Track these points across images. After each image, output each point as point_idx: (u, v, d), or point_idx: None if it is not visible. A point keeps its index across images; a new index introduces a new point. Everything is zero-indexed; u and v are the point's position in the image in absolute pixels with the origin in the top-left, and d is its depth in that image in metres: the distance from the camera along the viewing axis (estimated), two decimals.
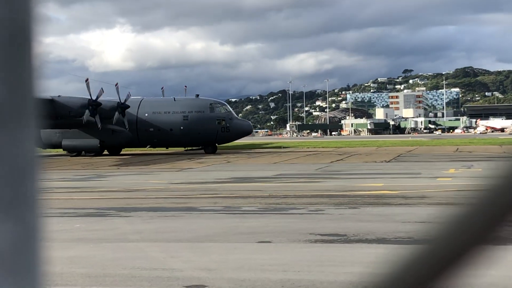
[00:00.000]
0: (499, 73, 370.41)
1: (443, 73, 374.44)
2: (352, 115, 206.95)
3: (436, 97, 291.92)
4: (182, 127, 54.67)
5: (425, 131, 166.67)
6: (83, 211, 17.12)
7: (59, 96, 52.42)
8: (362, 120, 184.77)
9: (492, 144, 61.68)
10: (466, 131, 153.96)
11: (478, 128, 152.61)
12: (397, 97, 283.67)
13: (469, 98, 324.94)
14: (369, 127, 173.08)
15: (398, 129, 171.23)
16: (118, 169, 37.11)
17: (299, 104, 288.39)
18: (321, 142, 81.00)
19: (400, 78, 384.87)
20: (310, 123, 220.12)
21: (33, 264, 0.78)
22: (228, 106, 59.31)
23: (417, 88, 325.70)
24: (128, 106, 53.91)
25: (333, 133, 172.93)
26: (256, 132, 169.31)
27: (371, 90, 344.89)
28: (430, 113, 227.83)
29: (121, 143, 55.79)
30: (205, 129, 54.13)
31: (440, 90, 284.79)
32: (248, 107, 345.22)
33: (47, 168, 37.82)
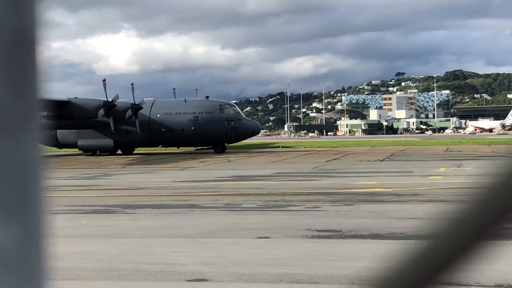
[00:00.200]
0: (487, 76, 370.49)
1: (434, 76, 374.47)
2: (347, 116, 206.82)
3: (427, 99, 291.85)
4: (192, 128, 54.52)
5: (416, 131, 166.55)
6: (90, 208, 17.10)
7: (75, 97, 52.46)
8: (357, 121, 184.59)
9: (481, 144, 61.67)
10: (456, 132, 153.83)
11: (467, 129, 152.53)
12: (390, 99, 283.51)
13: (459, 100, 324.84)
14: (363, 127, 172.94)
15: (391, 130, 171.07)
16: (123, 168, 37.08)
17: (296, 106, 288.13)
18: (317, 142, 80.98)
19: (393, 80, 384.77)
20: (307, 123, 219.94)
21: (37, 267, 0.76)
22: (237, 107, 59.10)
23: (409, 90, 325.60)
24: (141, 108, 53.86)
25: (329, 133, 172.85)
26: None
27: (365, 92, 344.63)
28: (422, 114, 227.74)
29: (134, 143, 55.63)
30: (215, 129, 54.01)
31: (431, 92, 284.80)
32: (248, 108, 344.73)
33: (56, 167, 37.77)
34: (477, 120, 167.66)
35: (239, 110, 58.05)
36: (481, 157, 39.37)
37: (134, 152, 56.45)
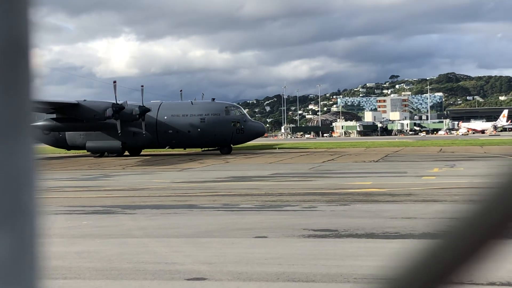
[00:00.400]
0: (479, 78, 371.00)
1: (427, 78, 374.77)
2: (343, 118, 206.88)
3: (421, 101, 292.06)
4: (199, 129, 54.36)
5: (410, 133, 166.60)
6: (91, 208, 17.06)
7: (84, 100, 52.34)
8: (352, 123, 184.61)
9: (473, 145, 61.72)
10: (449, 133, 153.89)
11: (460, 130, 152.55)
12: (384, 101, 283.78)
13: (451, 102, 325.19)
14: (358, 129, 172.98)
15: (386, 131, 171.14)
16: (123, 169, 37.03)
17: (293, 108, 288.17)
18: (313, 143, 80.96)
19: (387, 83, 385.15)
20: (303, 125, 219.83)
21: (30, 274, 0.73)
22: (242, 109, 58.93)
23: (403, 93, 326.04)
24: (149, 110, 53.77)
25: (324, 134, 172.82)
26: None
27: (360, 95, 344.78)
28: (415, 116, 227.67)
29: (141, 145, 55.52)
30: (221, 131, 53.90)
31: (425, 95, 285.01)
32: (246, 110, 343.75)
33: (57, 169, 37.72)
34: (469, 122, 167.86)
35: (245, 112, 57.87)
36: (473, 157, 39.40)
37: (141, 153, 56.46)
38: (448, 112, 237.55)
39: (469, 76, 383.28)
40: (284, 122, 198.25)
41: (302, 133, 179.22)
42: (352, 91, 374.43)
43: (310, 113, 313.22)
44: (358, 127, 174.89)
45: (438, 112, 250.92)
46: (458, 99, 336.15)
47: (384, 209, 15.34)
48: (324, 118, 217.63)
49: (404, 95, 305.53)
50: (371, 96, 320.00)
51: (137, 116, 52.47)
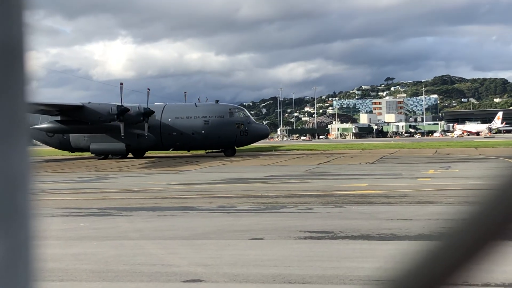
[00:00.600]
0: (474, 80, 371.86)
1: (423, 81, 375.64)
2: (338, 120, 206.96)
3: (416, 103, 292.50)
4: (203, 131, 54.19)
5: (406, 134, 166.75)
6: (87, 210, 17.03)
7: (89, 102, 52.15)
8: (348, 125, 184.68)
9: (468, 146, 61.81)
10: (444, 135, 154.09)
11: (455, 132, 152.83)
12: (380, 103, 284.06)
13: (446, 104, 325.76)
14: (354, 131, 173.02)
15: (381, 133, 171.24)
16: (120, 171, 36.97)
17: (289, 110, 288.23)
18: (309, 145, 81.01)
19: (383, 85, 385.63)
20: (299, 127, 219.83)
21: (26, 277, 0.73)
22: (246, 111, 58.71)
23: (398, 95, 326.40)
24: (153, 112, 53.65)
25: (320, 137, 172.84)
26: None
27: (356, 97, 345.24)
28: (411, 118, 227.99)
29: (145, 147, 55.36)
30: (225, 133, 53.75)
31: (420, 97, 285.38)
32: None
33: (53, 171, 37.65)
34: (464, 124, 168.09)
35: (248, 114, 57.64)
36: (468, 159, 39.46)
37: (145, 155, 56.34)
38: (443, 114, 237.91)
39: (464, 78, 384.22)
40: (280, 124, 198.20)
41: (298, 135, 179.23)
42: (348, 94, 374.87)
43: (306, 115, 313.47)
44: (353, 129, 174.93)
45: (433, 114, 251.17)
46: (453, 101, 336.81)
47: (380, 210, 15.35)
48: (320, 120, 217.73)
49: (400, 97, 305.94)
50: (367, 98, 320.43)
51: (142, 118, 52.39)
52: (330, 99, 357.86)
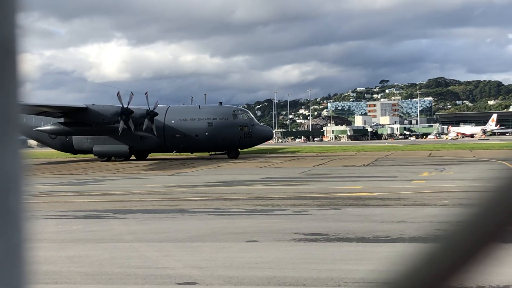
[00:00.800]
0: (468, 83, 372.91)
1: (417, 83, 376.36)
2: (333, 122, 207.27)
3: (411, 106, 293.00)
4: (207, 133, 54.02)
5: (400, 137, 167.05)
6: (81, 213, 16.99)
7: (93, 104, 52.02)
8: (342, 127, 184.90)
9: (463, 149, 61.96)
10: (438, 137, 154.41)
11: (449, 134, 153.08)
12: (374, 105, 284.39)
13: (441, 106, 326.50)
14: (348, 133, 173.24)
15: (376, 135, 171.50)
16: (114, 173, 36.92)
17: (283, 112, 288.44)
18: (304, 148, 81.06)
19: (377, 88, 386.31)
20: (294, 130, 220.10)
21: (18, 279, 0.73)
22: (250, 113, 58.57)
23: (393, 97, 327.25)
24: (157, 114, 53.50)
25: (315, 139, 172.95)
26: None
27: (351, 99, 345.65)
28: (405, 120, 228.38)
29: (149, 149, 55.20)
30: (228, 135, 53.62)
31: (414, 99, 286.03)
32: None
33: (48, 173, 37.56)
34: (459, 126, 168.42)
35: (252, 116, 57.48)
36: (463, 162, 39.55)
37: (148, 157, 56.21)
38: (438, 116, 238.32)
39: (459, 81, 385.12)
40: (275, 127, 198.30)
41: (292, 137, 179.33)
42: (343, 96, 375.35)
43: (301, 117, 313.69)
44: (348, 131, 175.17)
45: (428, 117, 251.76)
46: (448, 104, 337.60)
47: (374, 213, 15.37)
48: (315, 123, 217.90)
49: (394, 100, 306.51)
50: (361, 101, 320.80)
51: (147, 120, 52.29)
52: (325, 101, 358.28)
